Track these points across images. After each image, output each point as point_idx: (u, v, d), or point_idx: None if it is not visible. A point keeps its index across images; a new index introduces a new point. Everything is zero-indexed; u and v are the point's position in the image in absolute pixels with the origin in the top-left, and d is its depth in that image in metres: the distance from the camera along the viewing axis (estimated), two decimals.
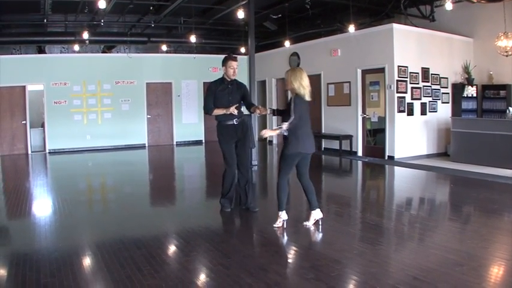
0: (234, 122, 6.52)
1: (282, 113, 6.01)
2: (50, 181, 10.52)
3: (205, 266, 4.55)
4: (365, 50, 12.33)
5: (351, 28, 12.13)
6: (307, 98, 5.61)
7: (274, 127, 6.68)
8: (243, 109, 6.77)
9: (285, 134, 5.62)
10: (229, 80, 6.55)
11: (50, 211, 7.20)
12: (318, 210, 5.85)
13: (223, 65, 6.54)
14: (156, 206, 7.87)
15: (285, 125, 5.52)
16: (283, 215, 5.77)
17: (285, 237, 5.59)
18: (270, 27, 15.22)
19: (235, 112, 6.36)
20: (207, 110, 6.57)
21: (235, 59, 6.50)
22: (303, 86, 5.57)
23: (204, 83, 16.59)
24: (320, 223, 5.83)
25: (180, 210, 7.55)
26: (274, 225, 5.76)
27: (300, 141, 5.62)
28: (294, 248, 5.21)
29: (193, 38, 14.07)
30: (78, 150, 15.62)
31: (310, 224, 5.82)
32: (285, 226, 5.75)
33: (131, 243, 5.22)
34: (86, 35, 13.55)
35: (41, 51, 16.24)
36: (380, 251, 4.89)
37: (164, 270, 4.42)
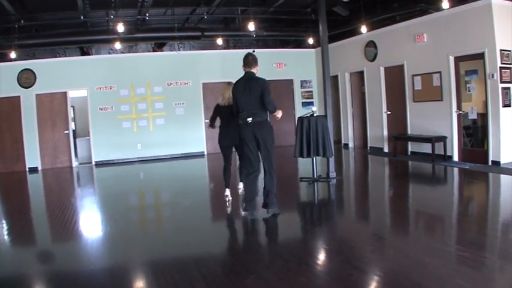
0: None
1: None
2: (97, 197, 10.41)
3: None
4: (457, 32, 11.13)
5: (445, 4, 10.69)
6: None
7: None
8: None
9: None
10: None
11: (98, 230, 7.26)
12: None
13: (256, 64, 7.15)
14: (217, 222, 7.71)
15: None
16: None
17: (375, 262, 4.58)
18: (341, 12, 14.10)
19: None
20: (275, 108, 7.08)
21: None
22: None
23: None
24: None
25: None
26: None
27: None
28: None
29: (251, 26, 13.04)
30: (128, 161, 15.47)
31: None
32: None
33: (190, 263, 5.24)
34: (130, 32, 13.14)
35: (85, 53, 15.82)
36: None
37: None
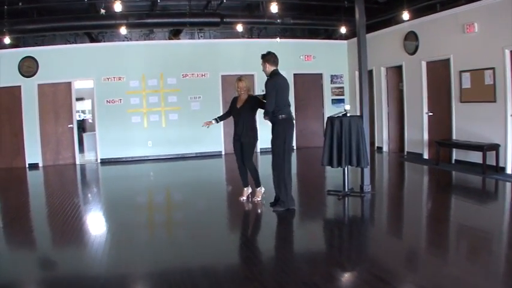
0: None
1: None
2: (101, 200, 9.89)
3: None
4: None
5: None
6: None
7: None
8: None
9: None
10: None
11: (101, 237, 6.81)
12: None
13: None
14: (233, 231, 7.25)
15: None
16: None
17: None
18: None
19: None
20: None
21: None
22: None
23: (294, 74, 15.20)
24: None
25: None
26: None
27: None
28: None
29: (274, 8, 11.70)
30: (137, 160, 14.82)
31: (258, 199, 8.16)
32: None
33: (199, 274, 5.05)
34: (140, 17, 12.31)
35: (94, 40, 15.01)
36: None
37: None
